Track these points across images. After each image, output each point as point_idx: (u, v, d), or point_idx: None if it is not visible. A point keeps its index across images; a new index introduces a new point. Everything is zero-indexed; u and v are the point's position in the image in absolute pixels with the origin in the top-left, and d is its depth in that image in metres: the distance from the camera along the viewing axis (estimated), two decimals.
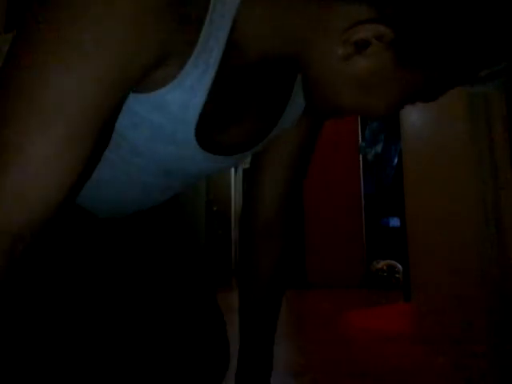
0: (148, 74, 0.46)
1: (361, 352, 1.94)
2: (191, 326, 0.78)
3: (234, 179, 6.48)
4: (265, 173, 0.78)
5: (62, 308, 0.68)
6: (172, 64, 0.47)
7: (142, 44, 0.41)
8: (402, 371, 1.60)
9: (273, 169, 0.78)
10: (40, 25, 0.40)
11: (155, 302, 0.78)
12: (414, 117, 2.29)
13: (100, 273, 0.76)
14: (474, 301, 1.83)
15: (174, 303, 0.79)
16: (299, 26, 0.50)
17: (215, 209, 5.12)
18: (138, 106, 0.50)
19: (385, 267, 4.26)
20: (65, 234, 0.71)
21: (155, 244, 0.85)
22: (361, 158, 4.44)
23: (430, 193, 2.16)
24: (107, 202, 0.70)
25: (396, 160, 3.40)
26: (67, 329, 0.68)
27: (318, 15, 0.48)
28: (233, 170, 6.13)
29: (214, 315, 0.82)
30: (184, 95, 0.50)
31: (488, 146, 1.80)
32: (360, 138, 4.44)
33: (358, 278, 4.35)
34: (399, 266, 4.06)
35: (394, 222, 4.30)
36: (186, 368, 0.76)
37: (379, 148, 3.53)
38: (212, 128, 0.58)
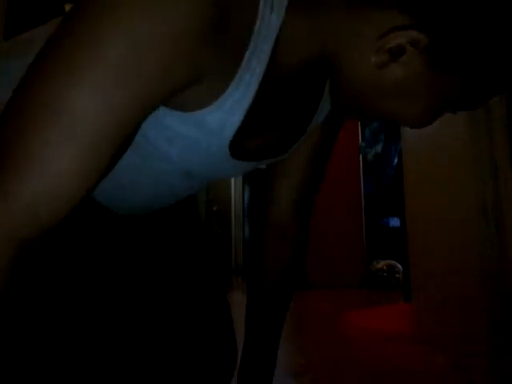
0: (181, 93, 0.45)
1: (361, 352, 1.94)
2: (200, 322, 0.78)
3: (234, 179, 6.48)
4: (282, 176, 0.78)
5: (66, 306, 0.68)
6: (214, 85, 0.47)
7: (176, 67, 0.41)
8: (402, 371, 1.60)
9: (290, 173, 0.77)
10: (71, 37, 0.40)
11: (164, 300, 0.78)
12: None
13: (108, 268, 0.76)
14: (474, 301, 1.83)
15: (184, 301, 0.79)
16: (333, 34, 0.50)
17: (215, 208, 5.12)
18: (175, 122, 0.51)
19: (385, 267, 4.26)
20: (72, 230, 0.71)
21: (166, 240, 0.85)
22: (361, 158, 4.44)
23: (430, 193, 2.16)
24: (129, 201, 0.71)
25: (396, 160, 3.40)
26: (71, 327, 0.68)
27: (351, 23, 0.48)
28: None
29: (223, 313, 0.82)
30: (223, 115, 0.50)
31: (488, 146, 1.80)
32: (360, 138, 4.44)
33: (358, 278, 4.36)
34: (399, 266, 4.06)
35: (394, 222, 4.30)
36: (195, 366, 0.76)
37: (379, 148, 3.53)
38: (244, 137, 0.58)
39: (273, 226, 0.81)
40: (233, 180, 6.36)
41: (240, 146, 0.58)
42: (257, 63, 0.48)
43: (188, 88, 0.45)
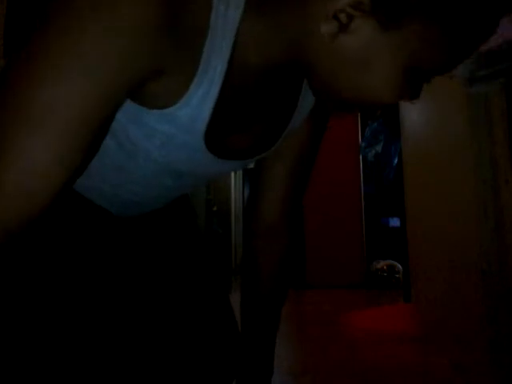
0: (148, 90, 0.48)
1: (361, 352, 1.94)
2: (204, 322, 0.78)
3: (234, 179, 6.48)
4: (269, 174, 0.79)
5: (68, 307, 0.68)
6: (177, 82, 0.49)
7: (134, 56, 0.43)
8: (402, 371, 1.60)
9: (277, 170, 0.78)
10: (39, 38, 0.43)
11: (166, 301, 0.78)
12: (413, 116, 2.29)
13: (108, 269, 0.76)
14: (474, 300, 1.83)
15: (187, 302, 0.79)
16: (291, 23, 0.50)
17: (215, 209, 5.12)
18: (150, 119, 0.53)
19: (385, 267, 4.26)
20: (74, 229, 0.72)
21: (167, 242, 0.85)
22: (361, 158, 4.44)
23: (429, 193, 2.16)
24: (124, 203, 0.72)
25: (396, 160, 3.40)
26: (71, 328, 0.68)
27: (307, 8, 0.48)
28: None
29: (227, 314, 0.83)
30: (192, 111, 0.52)
31: (488, 146, 1.80)
32: (360, 138, 4.44)
33: (358, 278, 4.35)
34: (399, 266, 4.06)
35: (394, 222, 4.29)
36: (199, 365, 0.76)
37: (379, 148, 3.52)
38: (222, 134, 0.59)
39: (262, 222, 0.82)
40: (233, 180, 6.36)
41: (219, 142, 0.59)
42: (217, 59, 0.49)
43: (153, 82, 0.48)
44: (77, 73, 0.41)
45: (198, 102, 0.51)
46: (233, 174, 6.27)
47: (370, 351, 1.94)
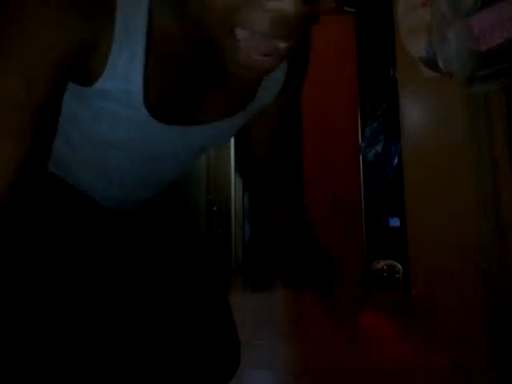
0: (79, 64, 0.50)
1: (361, 352, 1.94)
2: (201, 323, 0.78)
3: (234, 179, 6.48)
4: (252, 127, 0.79)
5: (61, 309, 0.68)
6: (98, 55, 0.51)
7: (54, 36, 0.46)
8: (403, 371, 1.60)
9: (260, 123, 0.79)
10: None
11: (165, 301, 0.77)
12: (413, 116, 2.29)
13: (107, 268, 0.76)
14: (474, 301, 1.83)
15: (185, 302, 0.79)
16: None
17: (215, 209, 5.12)
18: (91, 97, 0.54)
19: (385, 267, 4.26)
20: (72, 226, 0.71)
21: (163, 241, 0.85)
22: (361, 158, 4.44)
23: (430, 193, 2.16)
24: (110, 197, 0.73)
25: (396, 160, 3.40)
26: (65, 330, 0.67)
27: None
28: (232, 169, 6.13)
29: (225, 314, 0.82)
30: (120, 82, 0.53)
31: (488, 146, 1.80)
32: (360, 138, 4.44)
33: (358, 278, 4.35)
34: (399, 266, 4.06)
35: (394, 222, 4.29)
36: (196, 366, 0.75)
37: (379, 148, 3.52)
38: (171, 106, 0.59)
39: (255, 163, 0.86)
40: (233, 180, 6.35)
41: (173, 116, 0.60)
42: (134, 28, 0.50)
43: (83, 60, 0.50)
44: (24, 55, 0.45)
45: (123, 71, 0.52)
46: (233, 173, 6.27)
47: (369, 351, 1.94)
